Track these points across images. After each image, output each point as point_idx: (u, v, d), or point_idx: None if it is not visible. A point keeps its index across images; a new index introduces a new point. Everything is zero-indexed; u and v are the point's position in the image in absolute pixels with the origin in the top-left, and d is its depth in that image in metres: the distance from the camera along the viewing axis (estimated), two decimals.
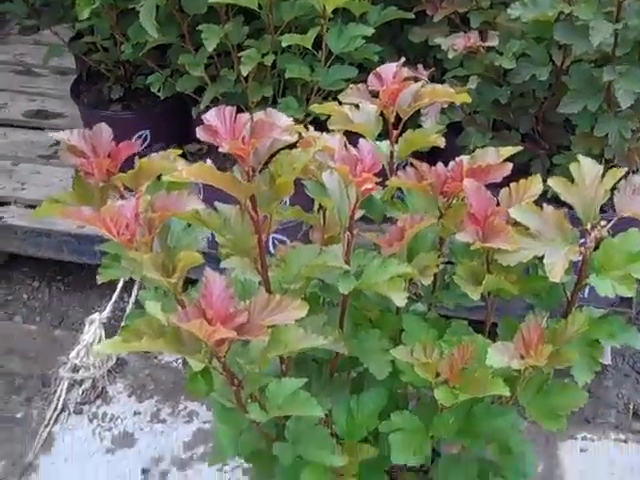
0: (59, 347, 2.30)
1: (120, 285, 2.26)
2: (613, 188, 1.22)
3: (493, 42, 1.86)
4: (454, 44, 1.86)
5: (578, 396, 1.22)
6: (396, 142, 1.38)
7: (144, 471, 2.00)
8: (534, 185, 1.23)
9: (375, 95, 1.39)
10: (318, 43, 2.04)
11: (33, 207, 2.47)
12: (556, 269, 1.13)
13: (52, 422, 2.10)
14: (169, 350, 0.95)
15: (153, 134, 2.53)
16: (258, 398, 1.14)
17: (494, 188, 1.24)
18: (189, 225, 1.22)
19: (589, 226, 1.19)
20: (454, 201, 1.27)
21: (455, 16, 2.00)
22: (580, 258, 1.18)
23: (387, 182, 1.28)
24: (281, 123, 1.12)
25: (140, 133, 2.52)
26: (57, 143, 2.59)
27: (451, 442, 1.26)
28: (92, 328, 2.17)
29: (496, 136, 1.97)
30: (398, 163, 1.40)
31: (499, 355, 1.10)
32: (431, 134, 1.37)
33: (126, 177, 1.21)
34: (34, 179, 2.61)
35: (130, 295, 2.33)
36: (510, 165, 1.24)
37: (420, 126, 1.52)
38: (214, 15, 2.07)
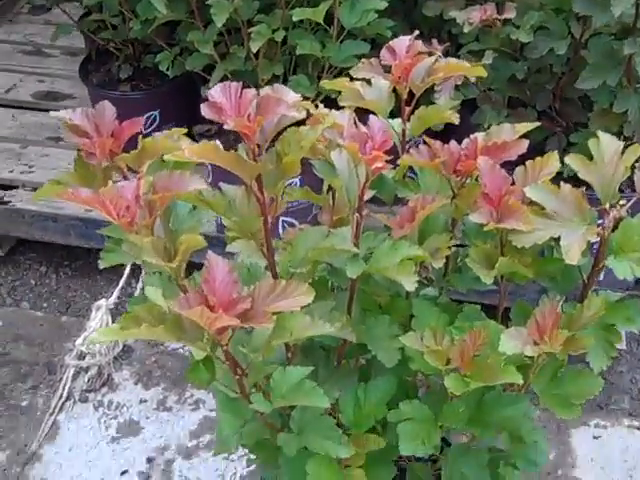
0: (65, 334, 2.27)
1: (127, 270, 2.23)
2: (633, 166, 1.17)
3: (510, 14, 1.80)
4: (470, 17, 1.80)
5: (593, 383, 1.18)
6: (408, 119, 1.34)
7: (149, 460, 1.97)
8: (551, 162, 1.18)
9: (388, 70, 1.34)
10: (330, 18, 1.99)
11: None
12: (573, 251, 1.08)
13: (57, 410, 2.07)
14: (169, 338, 0.92)
15: (162, 115, 2.49)
16: (262, 387, 1.10)
17: (509, 166, 1.19)
18: (195, 208, 1.19)
19: (608, 205, 1.15)
20: (468, 180, 1.23)
21: None
22: (597, 239, 1.13)
23: (399, 161, 1.23)
24: (288, 99, 1.07)
25: (149, 114, 2.48)
26: None
27: (461, 431, 1.22)
28: (99, 314, 2.15)
29: (511, 114, 1.92)
30: (411, 141, 1.35)
31: (512, 341, 1.05)
32: (445, 110, 1.32)
33: (129, 157, 1.18)
34: (42, 162, 2.58)
35: (138, 280, 2.30)
36: (526, 142, 1.19)
37: (433, 103, 1.47)
38: None
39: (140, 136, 1.20)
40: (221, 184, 1.16)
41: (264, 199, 1.10)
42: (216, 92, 1.07)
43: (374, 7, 1.95)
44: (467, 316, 1.20)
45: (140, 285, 2.23)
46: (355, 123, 1.18)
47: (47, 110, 2.86)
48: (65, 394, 2.11)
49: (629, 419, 2.03)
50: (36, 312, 2.38)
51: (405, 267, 1.09)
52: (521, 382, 1.05)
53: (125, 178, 1.19)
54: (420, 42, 1.36)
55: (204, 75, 2.20)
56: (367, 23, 1.97)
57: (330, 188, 1.31)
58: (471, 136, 1.22)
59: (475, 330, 1.09)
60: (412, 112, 1.33)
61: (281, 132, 1.11)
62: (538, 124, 1.25)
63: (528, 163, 1.16)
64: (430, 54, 1.44)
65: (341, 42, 2.02)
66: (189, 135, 2.62)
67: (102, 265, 1.20)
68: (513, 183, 1.15)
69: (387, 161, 1.09)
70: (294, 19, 1.93)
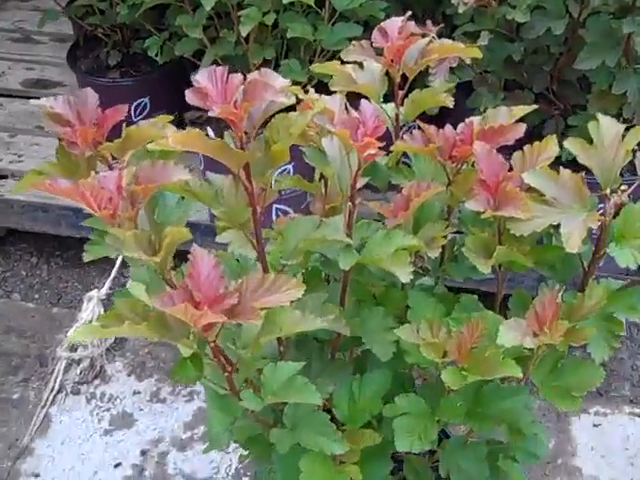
0: (57, 325, 2.23)
1: (119, 261, 2.19)
2: (634, 150, 1.13)
3: None
4: None
5: (594, 374, 1.14)
6: (402, 103, 1.30)
7: (143, 452, 1.94)
8: (549, 147, 1.14)
9: (380, 53, 1.30)
10: (321, 0, 1.94)
11: None
12: (573, 239, 1.04)
13: (49, 403, 2.04)
14: (153, 336, 0.88)
15: (152, 102, 2.45)
16: (254, 382, 1.07)
17: (506, 151, 1.16)
18: (183, 198, 1.15)
19: (608, 191, 1.11)
20: (464, 166, 1.19)
21: None
22: (598, 226, 1.09)
23: (392, 147, 1.19)
24: (277, 84, 1.03)
25: (139, 101, 2.44)
26: None
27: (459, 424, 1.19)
28: (90, 305, 2.11)
29: (508, 96, 1.87)
30: (405, 126, 1.31)
31: (511, 333, 1.02)
32: (439, 94, 1.28)
33: (113, 146, 1.13)
34: (32, 151, 2.54)
35: (130, 271, 2.26)
36: (524, 126, 1.15)
37: (428, 86, 1.43)
38: None
39: (124, 124, 1.16)
40: (208, 173, 1.12)
41: (252, 189, 1.06)
42: (201, 77, 1.03)
43: None
44: (464, 307, 1.17)
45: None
46: (346, 108, 1.14)
47: (37, 98, 2.80)
48: (57, 386, 2.08)
49: (630, 406, 2.00)
50: (27, 303, 2.34)
51: (399, 258, 1.05)
52: (520, 376, 1.01)
53: (110, 168, 1.15)
54: (413, 23, 1.33)
55: (194, 61, 2.15)
56: (359, 5, 1.92)
57: (322, 176, 1.27)
58: (467, 120, 1.18)
59: (473, 322, 1.05)
60: (406, 96, 1.29)
61: (270, 119, 1.07)
62: (535, 107, 1.21)
63: (526, 148, 1.12)
64: (424, 36, 1.40)
65: (333, 25, 1.97)
66: (180, 122, 2.59)
67: (86, 258, 1.16)
68: (511, 169, 1.11)
69: (380, 147, 1.06)
70: (285, 2, 1.88)
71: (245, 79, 1.02)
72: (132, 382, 2.10)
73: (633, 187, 1.11)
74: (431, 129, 1.17)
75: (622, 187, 1.10)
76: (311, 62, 2.04)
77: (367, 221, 1.17)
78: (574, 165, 1.14)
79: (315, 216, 1.14)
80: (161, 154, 1.12)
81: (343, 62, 1.30)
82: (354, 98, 1.19)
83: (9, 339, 2.22)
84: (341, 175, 1.12)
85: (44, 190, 0.93)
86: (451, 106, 1.23)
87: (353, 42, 1.31)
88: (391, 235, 1.09)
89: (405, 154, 1.30)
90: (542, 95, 1.90)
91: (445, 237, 1.14)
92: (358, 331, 1.15)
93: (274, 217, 2.22)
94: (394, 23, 1.32)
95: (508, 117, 1.18)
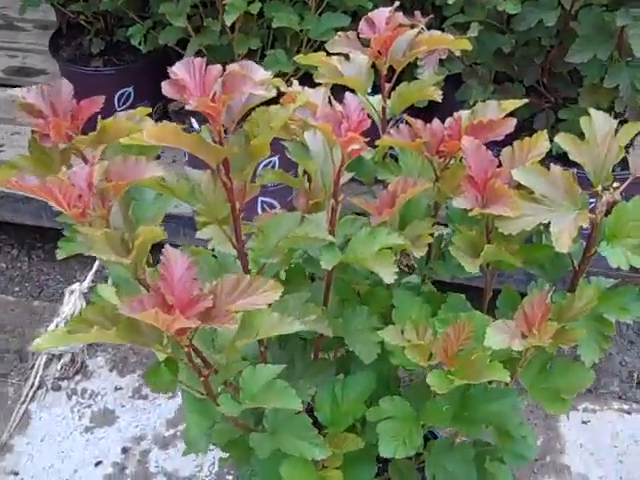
0: (38, 319, 2.19)
1: None
2: (627, 146, 1.09)
3: None
4: None
5: (584, 376, 1.11)
6: (389, 96, 1.26)
7: (124, 450, 1.90)
8: (540, 143, 1.10)
9: (366, 44, 1.26)
10: None
11: None
12: (563, 238, 1.01)
13: (29, 399, 1.99)
14: (124, 341, 0.84)
15: (136, 92, 2.40)
16: (233, 384, 1.03)
17: (496, 146, 1.12)
18: (161, 195, 1.11)
19: (600, 188, 1.07)
20: (452, 162, 1.15)
21: None
22: (589, 225, 1.06)
23: (377, 141, 1.15)
24: (257, 76, 0.99)
25: (123, 91, 2.39)
26: None
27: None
28: (72, 299, 2.07)
29: (498, 89, 1.84)
30: (393, 119, 1.28)
31: (499, 335, 0.98)
32: (427, 87, 1.24)
33: (87, 140, 1.09)
34: (13, 140, 2.50)
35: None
36: (514, 120, 1.11)
37: (416, 79, 1.39)
38: None
39: (99, 116, 1.11)
40: (186, 167, 1.08)
41: (231, 184, 1.02)
42: (179, 69, 0.99)
43: None
44: (451, 306, 1.13)
45: None
46: (330, 102, 1.10)
47: (19, 86, 2.75)
48: (37, 382, 2.03)
49: (619, 402, 1.97)
50: (7, 297, 2.29)
51: (384, 257, 1.01)
52: (508, 380, 0.98)
53: (85, 162, 1.11)
54: (401, 14, 1.29)
55: (179, 50, 2.10)
56: None
57: (306, 170, 1.23)
58: (455, 115, 1.14)
59: (459, 323, 1.02)
60: (393, 88, 1.25)
61: (250, 112, 1.03)
62: (526, 101, 1.17)
63: (516, 144, 1.08)
64: (412, 27, 1.36)
65: (320, 14, 1.93)
66: (165, 113, 2.53)
67: (59, 256, 1.11)
68: (500, 165, 1.07)
69: (367, 141, 1.02)
70: None
71: (224, 70, 0.98)
72: (114, 378, 2.05)
73: (625, 184, 1.07)
74: (418, 123, 1.13)
75: (614, 184, 1.07)
76: (298, 52, 1.99)
77: (351, 217, 1.13)
78: (565, 159, 1.10)
79: (297, 212, 1.10)
80: (140, 148, 1.08)
81: (329, 53, 1.26)
82: (340, 91, 1.15)
83: None
84: (324, 171, 1.08)
85: (10, 187, 0.88)
86: (439, 100, 1.19)
87: (339, 33, 1.27)
88: (375, 233, 1.05)
89: (392, 147, 1.27)
90: (533, 88, 1.87)
91: (432, 235, 1.10)
92: (341, 331, 1.11)
93: (259, 210, 2.18)
94: (381, 13, 1.28)
95: (498, 111, 1.14)
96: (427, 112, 1.90)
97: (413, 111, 1.67)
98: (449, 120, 1.14)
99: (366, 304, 1.15)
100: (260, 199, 2.15)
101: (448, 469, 1.19)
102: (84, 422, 1.96)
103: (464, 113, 1.16)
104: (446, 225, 1.22)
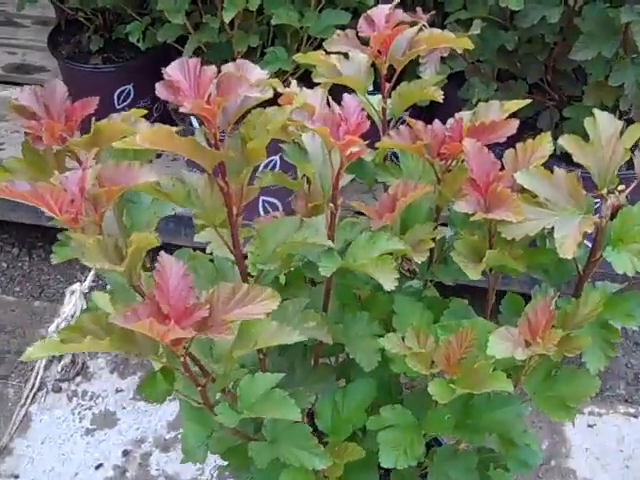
0: (38, 320, 2.17)
1: None
2: (633, 148, 1.07)
3: None
4: None
5: (589, 384, 1.09)
6: (389, 96, 1.24)
7: (125, 453, 1.88)
8: (543, 145, 1.07)
9: (366, 42, 1.23)
10: None
11: None
12: (567, 243, 0.98)
13: (29, 401, 1.97)
14: (118, 351, 0.81)
15: (136, 89, 2.37)
16: (232, 392, 1.01)
17: (500, 147, 1.10)
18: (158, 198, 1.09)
19: (605, 191, 1.05)
20: (454, 163, 1.13)
21: None
22: (594, 229, 1.03)
23: (377, 144, 1.13)
24: (253, 76, 0.97)
25: (123, 88, 2.36)
26: None
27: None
28: (73, 299, 2.05)
29: (501, 87, 1.80)
30: (395, 120, 1.25)
31: (502, 343, 0.96)
32: (428, 87, 1.22)
33: (81, 142, 1.06)
34: (13, 138, 2.47)
35: None
36: (516, 122, 1.09)
37: (419, 77, 1.37)
38: None
39: (93, 118, 1.09)
40: (182, 171, 1.05)
41: (228, 189, 0.99)
42: (173, 70, 0.97)
43: None
44: (454, 312, 1.11)
45: None
46: (328, 103, 1.07)
47: (19, 84, 2.74)
48: (37, 384, 2.02)
49: (625, 406, 1.94)
50: (7, 297, 2.28)
51: (384, 263, 0.99)
52: (511, 390, 0.95)
53: (80, 164, 1.09)
54: (401, 11, 1.26)
55: (178, 47, 2.08)
56: None
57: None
58: (456, 116, 1.12)
59: (462, 331, 0.99)
60: (394, 88, 1.23)
61: (247, 113, 1.01)
62: (529, 101, 1.14)
63: (518, 146, 1.06)
64: (414, 24, 1.34)
65: (320, 11, 1.90)
66: (165, 111, 2.51)
67: (54, 260, 1.09)
68: (503, 168, 1.05)
69: (368, 143, 1.00)
70: None
71: (219, 71, 0.96)
72: (115, 379, 2.03)
73: (631, 187, 1.05)
74: (419, 125, 1.11)
75: (620, 187, 1.05)
76: (298, 50, 1.97)
77: (351, 221, 1.11)
78: (569, 159, 1.08)
79: (295, 217, 1.07)
80: (135, 151, 1.06)
81: (328, 52, 1.24)
82: (341, 90, 1.13)
83: None
84: (323, 174, 1.06)
85: (0, 194, 0.86)
86: (440, 100, 1.17)
87: (337, 31, 1.24)
88: (375, 238, 1.03)
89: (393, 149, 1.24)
90: (536, 85, 1.84)
91: (433, 240, 1.08)
92: (341, 338, 1.09)
93: (261, 209, 2.16)
94: (381, 11, 1.25)
95: (500, 112, 1.12)
96: (430, 110, 1.88)
97: (415, 110, 1.65)
98: (450, 121, 1.12)
99: (367, 309, 1.13)
100: (262, 198, 2.13)
101: (451, 477, 1.17)
102: (85, 424, 1.94)
103: (466, 114, 1.14)
104: (446, 224, 1.20)
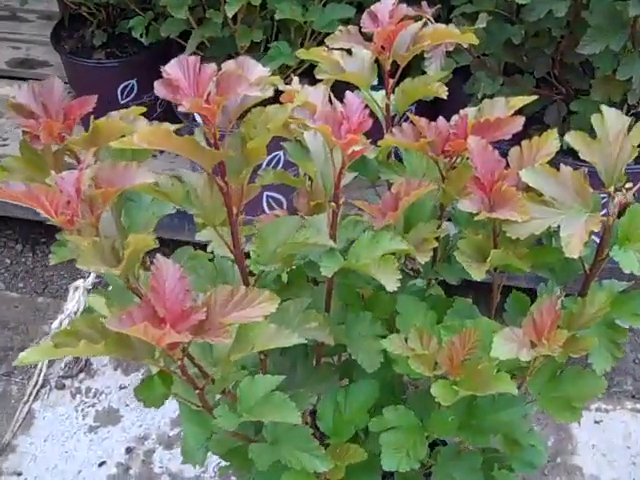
0: (42, 316, 2.16)
1: None
2: None
3: None
4: None
5: (595, 384, 1.07)
6: (393, 92, 1.22)
7: (128, 450, 1.87)
8: (549, 142, 1.05)
9: (369, 38, 1.21)
10: None
11: None
12: (574, 242, 0.96)
13: (32, 398, 1.96)
14: (114, 356, 0.80)
15: (140, 84, 2.36)
16: (232, 393, 0.99)
17: (505, 143, 1.08)
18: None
19: (612, 189, 1.03)
20: (459, 160, 1.11)
21: None
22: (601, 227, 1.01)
23: (379, 142, 1.11)
24: (254, 74, 0.95)
25: (126, 84, 2.35)
26: None
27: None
28: (76, 295, 2.04)
29: (507, 81, 1.78)
30: (399, 116, 1.23)
31: (506, 344, 0.94)
32: (432, 83, 1.20)
33: (79, 140, 1.05)
34: (18, 134, 2.44)
35: None
36: (522, 119, 1.07)
37: (424, 72, 1.35)
38: None
39: (92, 117, 1.07)
40: (181, 170, 1.04)
41: (228, 188, 0.98)
42: (172, 68, 0.95)
43: None
44: (457, 312, 1.09)
45: None
46: (330, 100, 1.05)
47: (23, 79, 2.73)
48: (41, 381, 2.01)
49: (632, 402, 1.92)
50: (11, 293, 2.27)
51: (386, 263, 0.97)
52: (515, 392, 0.94)
53: (79, 163, 1.08)
54: (404, 6, 1.24)
55: (182, 42, 2.06)
56: None
57: None
58: (461, 112, 1.10)
59: (465, 331, 0.98)
60: (397, 84, 1.21)
61: (247, 111, 0.99)
62: (535, 97, 1.12)
63: (524, 143, 1.04)
64: (419, 18, 1.32)
65: (324, 5, 1.88)
66: (169, 107, 2.49)
67: (53, 261, 1.08)
68: (507, 165, 1.03)
69: (372, 140, 0.98)
70: None
71: (219, 69, 0.95)
72: (118, 376, 2.02)
73: (639, 185, 1.03)
74: (422, 122, 1.09)
75: (627, 185, 1.03)
76: (302, 44, 1.95)
77: (354, 219, 1.10)
78: (576, 154, 1.05)
79: (296, 217, 1.06)
80: (134, 150, 1.04)
81: (331, 48, 1.22)
82: (344, 87, 1.11)
83: None
84: (324, 172, 1.04)
85: None
86: (445, 97, 1.15)
87: (340, 27, 1.22)
88: (378, 238, 1.01)
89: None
90: (543, 79, 1.81)
91: (437, 239, 1.06)
92: (343, 339, 1.08)
93: (265, 205, 2.14)
94: (384, 6, 1.23)
95: (505, 108, 1.10)
96: (435, 106, 1.86)
97: (421, 105, 1.63)
98: (455, 118, 1.10)
99: (370, 309, 1.12)
100: (266, 194, 2.11)
101: (455, 478, 1.16)
102: (88, 421, 1.93)
103: (471, 110, 1.12)
104: (450, 220, 1.18)
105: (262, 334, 0.86)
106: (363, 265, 0.98)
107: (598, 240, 1.07)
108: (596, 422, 1.88)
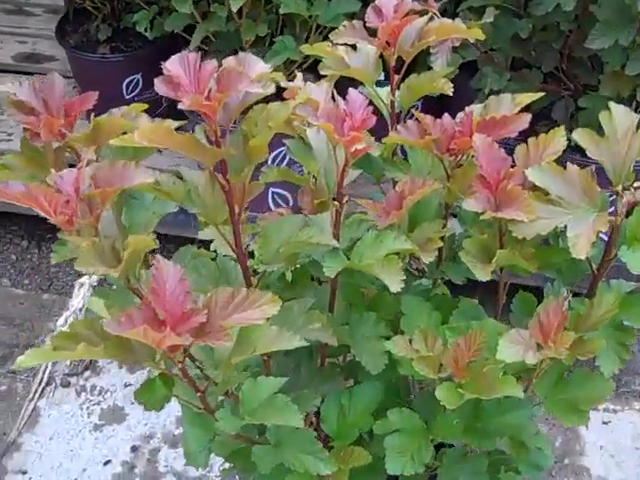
0: (47, 312, 2.16)
1: None
2: None
3: None
4: None
5: (603, 387, 1.05)
6: (398, 88, 1.20)
7: (134, 449, 1.86)
8: (556, 139, 1.03)
9: (374, 33, 1.20)
10: None
11: None
12: (581, 243, 0.94)
13: (37, 396, 1.96)
14: (114, 359, 0.79)
15: (145, 79, 2.35)
16: (235, 394, 0.98)
17: (512, 141, 1.06)
18: None
19: (620, 188, 1.01)
20: (465, 158, 1.09)
21: None
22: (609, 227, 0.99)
23: (384, 139, 1.10)
24: (255, 70, 0.94)
25: (131, 78, 2.33)
26: None
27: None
28: (82, 292, 2.04)
29: (515, 76, 1.76)
30: (404, 112, 1.22)
31: (512, 347, 0.93)
32: (437, 79, 1.18)
33: (80, 138, 1.04)
34: (22, 130, 2.45)
35: None
36: (529, 116, 1.05)
37: (430, 68, 1.33)
38: None
39: (92, 114, 1.06)
40: (182, 168, 1.02)
41: (229, 187, 0.96)
42: (172, 64, 0.94)
43: None
44: (463, 312, 1.08)
45: None
46: (333, 97, 1.04)
47: (29, 73, 2.72)
48: (46, 378, 2.00)
49: None
50: (16, 289, 2.26)
51: (390, 263, 0.95)
52: (521, 396, 0.92)
53: (80, 160, 1.06)
54: (409, 0, 1.22)
55: (187, 36, 2.05)
56: None
57: None
58: (466, 109, 1.08)
59: (471, 333, 0.96)
60: (403, 80, 1.20)
61: (249, 108, 0.98)
62: (542, 94, 1.10)
63: (530, 141, 1.02)
64: (425, 12, 1.30)
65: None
66: (174, 102, 2.47)
67: (54, 260, 1.07)
68: (514, 164, 1.01)
69: (377, 137, 0.96)
70: None
71: (220, 65, 0.93)
72: (123, 374, 2.02)
73: None
74: (427, 119, 1.07)
75: (636, 184, 1.01)
76: (307, 38, 1.93)
77: (359, 217, 1.08)
78: (584, 151, 1.04)
79: (299, 215, 1.04)
80: (135, 148, 1.03)
81: (335, 44, 1.21)
82: (349, 83, 1.09)
83: None
84: (328, 170, 1.03)
85: None
86: (450, 94, 1.13)
87: (344, 22, 1.21)
88: (382, 237, 1.00)
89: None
90: (551, 74, 1.79)
91: (442, 238, 1.05)
92: (347, 339, 1.06)
93: (270, 201, 2.13)
94: (390, 0, 1.21)
95: (512, 105, 1.08)
96: (442, 101, 1.84)
97: (427, 100, 1.61)
98: (460, 115, 1.08)
99: (374, 309, 1.10)
100: (271, 190, 2.10)
101: None
102: (93, 419, 1.92)
103: (476, 107, 1.10)
104: (455, 216, 1.17)
105: (264, 336, 0.84)
106: (366, 265, 0.97)
107: (606, 238, 1.05)
108: (604, 423, 1.86)
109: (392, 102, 1.20)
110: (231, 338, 0.78)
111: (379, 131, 1.07)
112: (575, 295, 1.11)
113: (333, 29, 1.35)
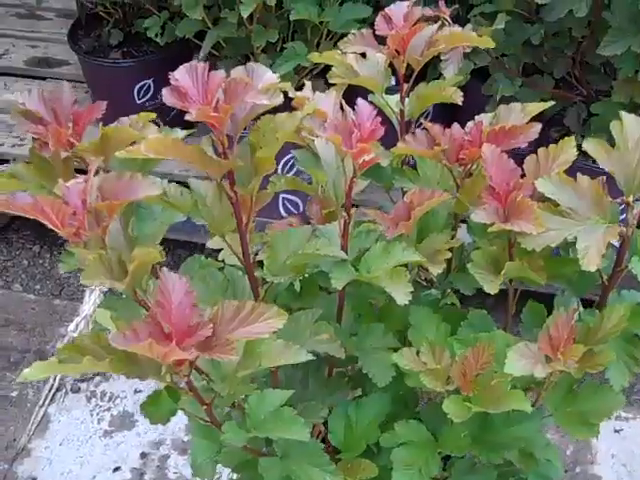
0: (58, 318, 2.16)
1: None
2: None
3: None
4: None
5: (613, 400, 1.04)
6: (407, 97, 1.19)
7: (143, 455, 1.86)
8: (566, 150, 1.02)
9: (383, 41, 1.19)
10: None
11: None
12: (591, 255, 0.93)
13: (48, 402, 1.96)
14: (119, 373, 0.79)
15: (156, 84, 2.35)
16: (242, 405, 0.98)
17: (522, 150, 1.05)
18: None
19: (632, 198, 1.00)
20: (474, 167, 1.08)
21: None
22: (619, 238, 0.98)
23: (392, 149, 1.09)
24: (263, 80, 0.93)
25: (142, 83, 2.34)
26: None
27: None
28: (92, 298, 2.04)
29: (526, 82, 1.75)
30: (414, 121, 1.21)
31: (521, 360, 0.92)
32: (447, 88, 1.17)
33: (88, 148, 1.04)
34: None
35: None
36: (539, 126, 1.04)
37: (441, 75, 1.32)
38: None
39: (101, 123, 1.06)
40: (190, 179, 1.02)
41: (237, 198, 0.96)
42: (180, 74, 0.93)
43: None
44: (471, 324, 1.07)
45: None
46: (342, 107, 1.03)
47: (41, 78, 2.73)
48: (56, 384, 2.00)
49: None
50: (28, 295, 2.27)
51: (398, 275, 0.95)
52: (529, 410, 0.91)
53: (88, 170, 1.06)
54: (419, 7, 1.21)
55: (198, 42, 2.05)
56: None
57: None
58: (476, 119, 1.08)
59: (479, 346, 0.95)
60: (412, 88, 1.19)
61: (258, 118, 0.97)
62: (552, 104, 1.09)
63: (540, 151, 1.01)
64: (436, 18, 1.29)
65: (341, 5, 1.85)
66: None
67: (62, 270, 1.07)
68: (523, 175, 1.00)
69: (386, 146, 0.95)
70: None
71: (228, 75, 0.93)
72: (133, 381, 1.97)
73: None
74: (436, 129, 1.06)
75: None
76: (319, 44, 1.93)
77: (367, 227, 1.08)
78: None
79: (307, 227, 1.04)
80: (144, 161, 1.03)
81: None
82: (358, 91, 1.09)
83: (8, 332, 2.14)
84: (336, 181, 1.02)
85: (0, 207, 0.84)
86: (460, 103, 1.13)
87: (353, 31, 1.20)
88: (390, 248, 0.99)
89: None
90: (563, 80, 1.78)
91: (451, 250, 1.04)
92: (355, 351, 1.06)
93: (281, 207, 2.13)
94: (399, 8, 1.21)
95: (522, 115, 1.07)
96: (454, 106, 1.83)
97: (438, 105, 1.60)
98: (469, 125, 1.07)
99: (382, 320, 1.10)
100: (282, 196, 2.10)
101: None
102: (103, 426, 1.92)
103: (486, 117, 1.09)
104: (464, 221, 1.16)
105: (270, 350, 0.84)
106: (374, 277, 0.96)
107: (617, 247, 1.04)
108: (616, 431, 1.85)
109: (401, 111, 1.19)
110: (237, 352, 0.77)
111: (389, 138, 1.06)
112: (586, 303, 1.10)
113: (344, 35, 1.35)
